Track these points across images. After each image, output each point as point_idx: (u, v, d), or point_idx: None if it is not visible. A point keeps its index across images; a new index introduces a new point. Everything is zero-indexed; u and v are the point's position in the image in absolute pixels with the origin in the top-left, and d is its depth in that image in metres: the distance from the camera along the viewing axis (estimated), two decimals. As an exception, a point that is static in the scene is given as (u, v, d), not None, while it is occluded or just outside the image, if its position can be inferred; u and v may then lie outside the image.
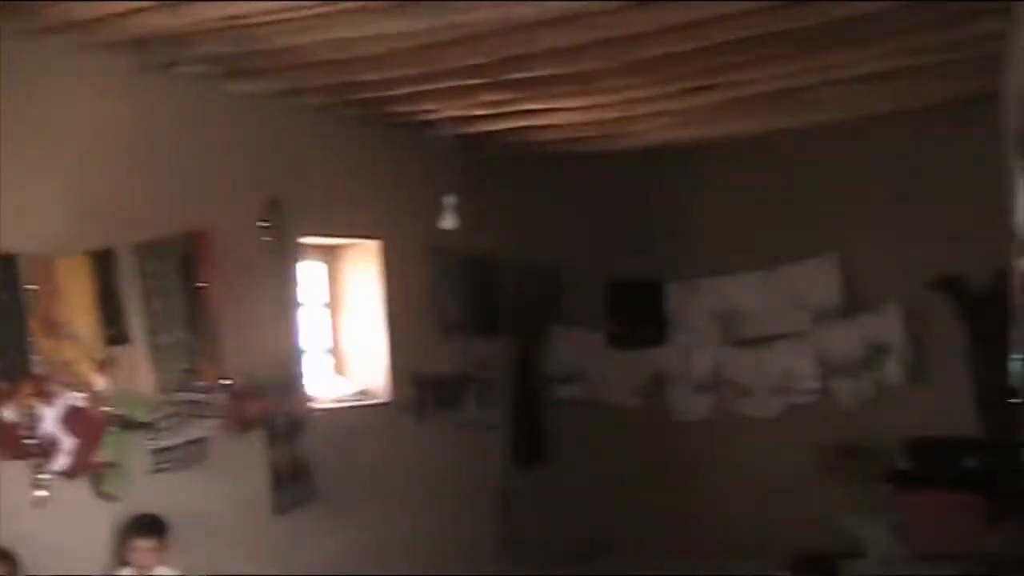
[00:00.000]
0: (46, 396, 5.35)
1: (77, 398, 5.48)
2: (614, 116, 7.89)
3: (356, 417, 7.67)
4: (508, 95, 7.11)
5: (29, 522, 5.23)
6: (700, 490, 9.46)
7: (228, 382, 6.34)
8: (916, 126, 8.54)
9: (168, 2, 5.04)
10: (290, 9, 5.21)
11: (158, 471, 5.92)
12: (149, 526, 5.70)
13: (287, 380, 6.93)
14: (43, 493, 5.33)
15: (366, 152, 7.88)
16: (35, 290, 5.36)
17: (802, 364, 9.15)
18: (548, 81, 6.75)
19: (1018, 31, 5.90)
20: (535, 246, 9.48)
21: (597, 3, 5.43)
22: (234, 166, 6.67)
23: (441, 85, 6.75)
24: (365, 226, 7.90)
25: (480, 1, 5.26)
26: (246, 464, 6.56)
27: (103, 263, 5.70)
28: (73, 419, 5.44)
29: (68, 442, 5.43)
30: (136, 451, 5.80)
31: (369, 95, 6.98)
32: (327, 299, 8.06)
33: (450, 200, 7.66)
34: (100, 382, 5.59)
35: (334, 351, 8.06)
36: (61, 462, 5.42)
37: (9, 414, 5.21)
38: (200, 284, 6.21)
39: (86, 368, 5.54)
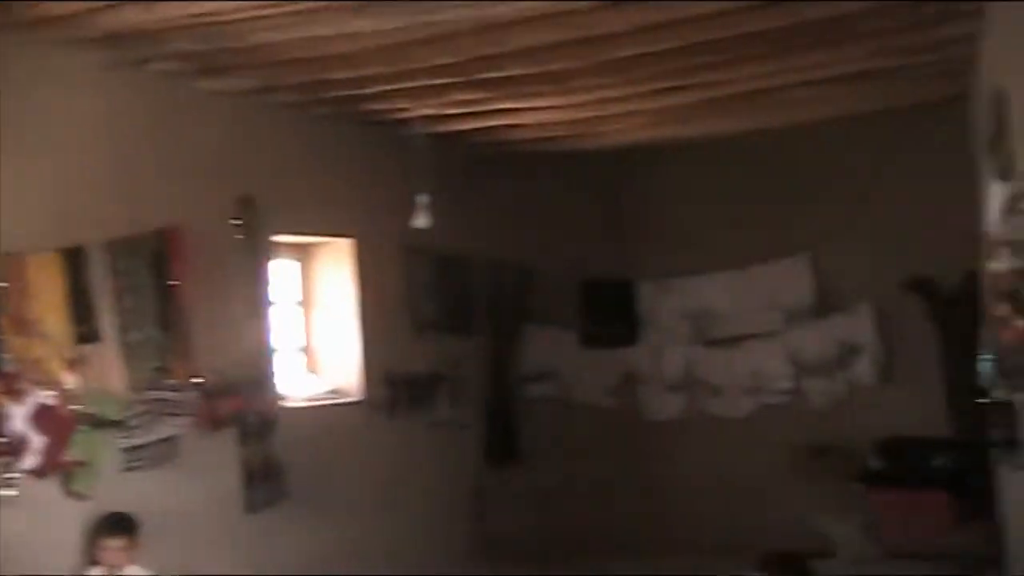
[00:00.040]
0: (15, 394, 5.31)
1: (47, 396, 5.44)
2: (587, 116, 7.90)
3: (328, 416, 7.64)
4: (481, 94, 7.11)
5: (-2, 521, 5.20)
6: (672, 489, 9.48)
7: (199, 380, 6.31)
8: (888, 127, 8.60)
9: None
10: (263, 7, 5.19)
11: (129, 469, 5.89)
12: (119, 525, 5.67)
13: (259, 378, 6.91)
14: (12, 492, 5.28)
15: (339, 150, 7.86)
16: (5, 287, 5.32)
17: (774, 364, 9.19)
18: (521, 80, 6.75)
19: (988, 34, 5.95)
20: (508, 245, 9.48)
21: (570, 3, 5.43)
22: (206, 164, 6.64)
23: (414, 84, 6.74)
24: (338, 224, 7.88)
25: (453, 0, 5.26)
26: (218, 463, 6.53)
27: (74, 260, 5.67)
28: (43, 417, 5.40)
29: (38, 440, 5.39)
30: (106, 449, 5.77)
31: (342, 93, 6.97)
32: (300, 297, 8.04)
33: (423, 199, 7.65)
34: (70, 380, 5.55)
35: (307, 350, 8.04)
36: (30, 461, 5.37)
37: (-22, 412, 5.18)
38: (172, 282, 6.18)
39: (56, 366, 5.51)
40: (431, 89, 6.90)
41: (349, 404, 7.88)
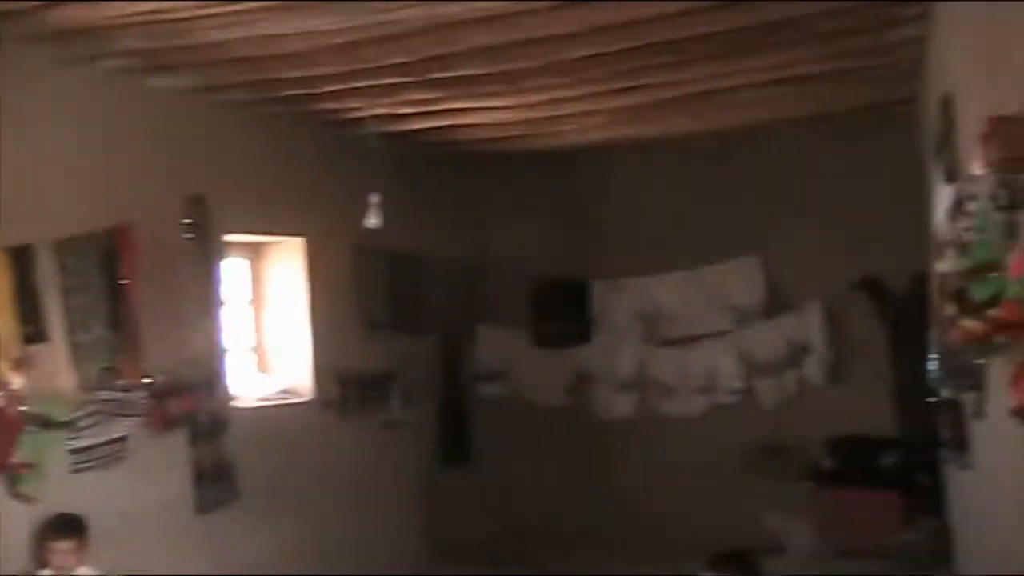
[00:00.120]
0: (-38, 395, 5.25)
1: (-6, 397, 5.37)
2: (540, 116, 7.91)
3: (280, 416, 7.61)
4: (434, 94, 7.10)
5: (-56, 524, 5.13)
6: (624, 489, 9.52)
7: (150, 380, 6.26)
8: (838, 129, 8.68)
9: (90, -5, 4.99)
10: (213, 5, 5.16)
11: (78, 471, 5.82)
12: (68, 527, 5.61)
13: (210, 378, 6.86)
14: (-42, 494, 5.23)
15: (290, 150, 7.83)
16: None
17: (725, 363, 9.24)
18: (474, 80, 6.75)
19: (935, 38, 6.01)
20: (461, 245, 9.49)
21: (523, 3, 5.43)
22: (157, 162, 6.58)
23: (366, 83, 6.72)
24: (289, 224, 7.85)
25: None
26: (168, 463, 6.48)
27: (21, 260, 5.59)
28: (-10, 419, 5.34)
29: (-16, 442, 5.32)
30: (55, 451, 5.70)
31: (294, 92, 6.93)
32: (251, 297, 8.00)
33: (374, 199, 7.63)
34: (17, 381, 5.47)
35: (258, 349, 8.00)
36: (-23, 463, 5.31)
37: (-77, 413, 5.11)
38: (122, 281, 6.11)
39: (3, 367, 5.42)
40: (383, 89, 6.88)
41: (301, 404, 7.86)
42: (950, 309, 4.33)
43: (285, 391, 7.90)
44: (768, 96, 7.62)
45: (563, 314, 9.73)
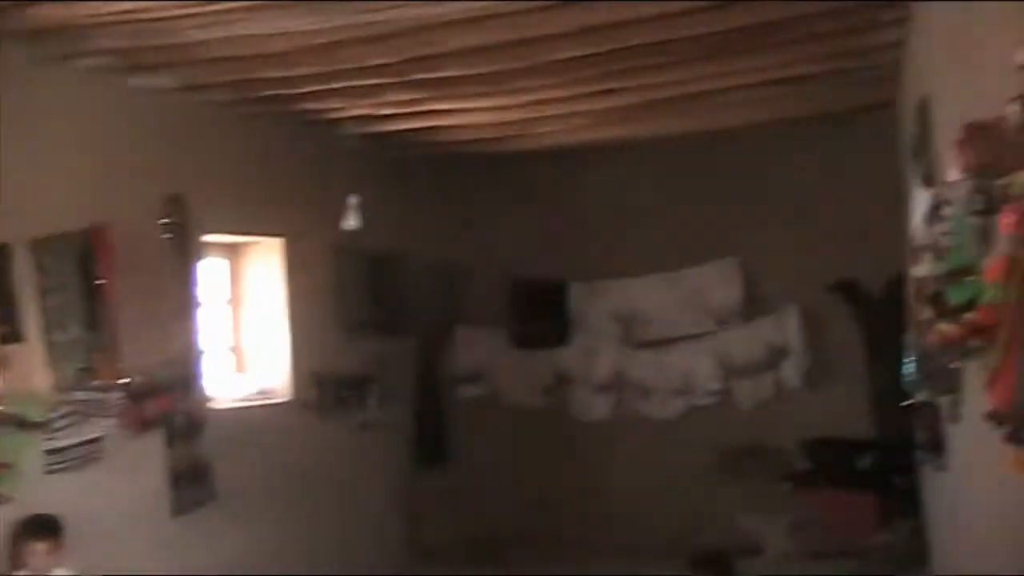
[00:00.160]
0: (-63, 395, 5.22)
1: (-31, 397, 5.34)
2: (522, 117, 7.91)
3: (257, 417, 7.59)
4: (415, 95, 7.09)
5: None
6: (602, 490, 9.53)
7: (126, 381, 6.23)
8: (817, 132, 8.70)
9: (69, -6, 4.97)
10: (193, 4, 5.14)
11: (53, 471, 5.79)
12: (44, 527, 5.57)
13: (187, 379, 6.84)
14: (-67, 494, 5.19)
15: (271, 150, 7.81)
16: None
17: (703, 366, 9.26)
18: (456, 81, 6.75)
19: (915, 42, 6.04)
20: (440, 246, 9.48)
21: (506, 4, 5.44)
22: (135, 162, 6.55)
23: (347, 84, 6.71)
24: (268, 224, 7.83)
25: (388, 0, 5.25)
26: (144, 464, 6.45)
27: (-3, 259, 5.57)
28: (-35, 419, 5.31)
29: (-40, 442, 5.30)
30: (31, 451, 5.66)
31: (274, 92, 6.92)
32: (229, 297, 7.97)
33: (353, 200, 7.62)
34: (-7, 381, 5.45)
35: (236, 349, 7.98)
36: (-48, 463, 5.28)
37: (-102, 413, 5.08)
38: (99, 281, 6.09)
39: (-21, 366, 5.41)
40: (364, 89, 6.87)
41: (278, 405, 7.84)
42: (926, 312, 4.36)
43: (262, 392, 7.88)
44: (748, 99, 7.64)
45: (542, 316, 9.73)
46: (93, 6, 5.10)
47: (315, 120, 7.69)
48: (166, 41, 5.68)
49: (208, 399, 7.11)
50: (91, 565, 5.76)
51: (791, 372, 9.04)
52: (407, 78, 6.59)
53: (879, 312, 8.38)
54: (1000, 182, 2.59)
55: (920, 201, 4.99)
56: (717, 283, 9.26)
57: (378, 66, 6.32)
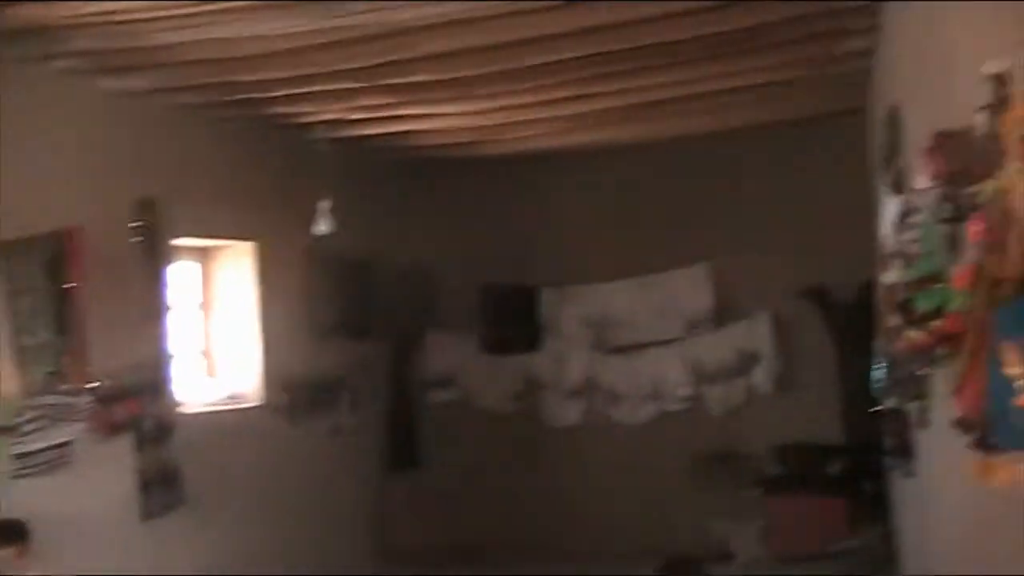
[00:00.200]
0: (-97, 399, 5.17)
1: (-64, 401, 5.30)
2: (493, 122, 7.91)
3: (228, 421, 7.56)
4: (387, 99, 7.08)
5: None
6: (573, 495, 9.52)
7: (95, 385, 6.20)
8: (788, 138, 8.74)
9: (40, -5, 4.94)
10: (167, 7, 5.12)
11: (22, 476, 5.75)
12: (11, 533, 5.53)
13: (156, 383, 6.81)
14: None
15: (242, 153, 7.78)
16: None
17: (674, 371, 9.28)
18: (428, 86, 6.75)
19: (884, 50, 6.08)
20: (412, 251, 9.47)
21: (477, 11, 5.44)
22: (106, 164, 6.52)
23: (319, 88, 6.70)
24: (240, 228, 7.80)
25: (360, 1, 5.24)
26: (113, 468, 6.41)
27: (-35, 262, 5.53)
28: (-68, 423, 5.27)
29: (-74, 446, 5.25)
30: (-2, 455, 5.64)
31: (246, 96, 6.89)
32: (200, 300, 7.94)
33: (324, 205, 7.60)
34: (-39, 385, 5.41)
35: (206, 354, 7.94)
36: (-82, 467, 5.24)
37: None
38: (68, 285, 6.05)
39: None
40: (336, 93, 6.86)
41: (248, 409, 7.81)
42: (896, 319, 4.38)
43: (233, 396, 7.85)
44: (719, 105, 7.67)
45: (513, 321, 9.73)
46: (65, 7, 5.07)
47: (287, 124, 7.67)
48: (138, 43, 5.66)
49: (178, 403, 7.07)
50: (60, 570, 5.72)
51: (762, 378, 9.06)
52: (379, 82, 6.58)
53: (849, 318, 8.41)
54: (968, 190, 2.60)
55: (890, 208, 5.02)
56: (689, 289, 9.28)
57: (350, 70, 6.31)
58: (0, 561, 5.46)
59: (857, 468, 8.40)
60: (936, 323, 3.00)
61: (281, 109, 7.27)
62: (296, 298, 8.25)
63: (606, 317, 9.51)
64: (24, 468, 5.76)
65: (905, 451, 5.90)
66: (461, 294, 9.73)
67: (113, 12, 5.15)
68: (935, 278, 3.13)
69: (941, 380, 3.69)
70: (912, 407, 5.21)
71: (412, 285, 9.61)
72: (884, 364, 5.67)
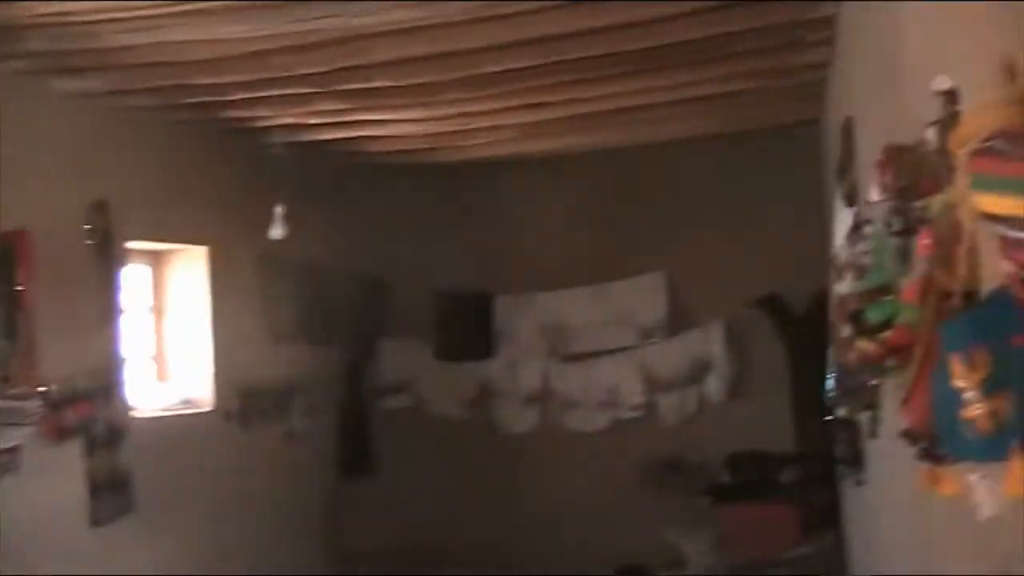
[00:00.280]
0: None
1: None
2: (450, 129, 7.91)
3: (179, 426, 7.51)
4: (344, 105, 7.07)
5: None
6: (526, 502, 9.52)
7: (44, 389, 6.13)
8: (744, 148, 8.79)
9: (-9, -5, 4.88)
10: (123, 8, 5.09)
11: (-32, 481, 5.70)
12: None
13: (107, 387, 6.75)
14: None
15: (197, 157, 7.74)
16: None
17: (628, 379, 9.30)
18: (385, 92, 6.74)
19: (839, 63, 6.13)
20: (366, 257, 9.45)
21: (434, 17, 5.44)
22: (58, 166, 6.46)
23: (276, 92, 6.68)
24: (194, 232, 7.76)
25: (319, 2, 5.22)
26: (62, 473, 6.35)
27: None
28: None
29: None
30: (-55, 460, 5.57)
31: (202, 99, 6.86)
32: (152, 304, 7.88)
33: (279, 209, 7.58)
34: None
35: (158, 358, 7.88)
36: None
37: None
38: (17, 287, 5.99)
39: None
40: (293, 98, 6.84)
41: (200, 414, 7.76)
42: (847, 330, 4.40)
43: (185, 401, 7.80)
44: (675, 114, 7.71)
45: (467, 328, 9.72)
46: (19, 7, 5.02)
47: (243, 128, 7.63)
48: (93, 45, 5.62)
49: (129, 408, 7.02)
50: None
51: (715, 386, 9.10)
52: (336, 88, 6.57)
53: (802, 328, 8.47)
54: (918, 204, 2.63)
55: (843, 219, 5.06)
56: (643, 297, 9.31)
57: (307, 75, 6.29)
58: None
59: (809, 476, 8.45)
60: (886, 335, 3.02)
61: (237, 113, 7.24)
62: (250, 303, 8.21)
63: (561, 325, 9.53)
64: (-29, 473, 5.70)
65: (856, 460, 5.94)
66: (416, 300, 9.71)
67: (68, 13, 5.11)
68: (886, 290, 3.15)
69: (890, 391, 3.72)
70: (863, 417, 5.25)
71: (367, 291, 9.59)
72: (836, 374, 5.70)
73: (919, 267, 2.56)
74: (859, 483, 6.09)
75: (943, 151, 2.31)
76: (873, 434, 5.00)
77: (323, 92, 6.69)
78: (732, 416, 8.98)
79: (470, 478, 9.63)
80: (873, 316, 3.17)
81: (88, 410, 6.51)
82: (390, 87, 6.62)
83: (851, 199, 5.12)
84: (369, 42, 5.75)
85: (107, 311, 6.83)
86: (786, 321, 8.80)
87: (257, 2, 5.15)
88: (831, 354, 6.08)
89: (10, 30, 5.35)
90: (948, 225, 2.27)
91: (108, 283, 6.83)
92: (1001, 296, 1.94)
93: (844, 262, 4.74)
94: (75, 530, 6.44)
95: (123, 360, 7.01)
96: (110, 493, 6.68)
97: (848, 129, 5.50)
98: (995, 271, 1.98)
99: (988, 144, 1.84)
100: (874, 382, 4.36)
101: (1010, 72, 1.88)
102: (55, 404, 6.23)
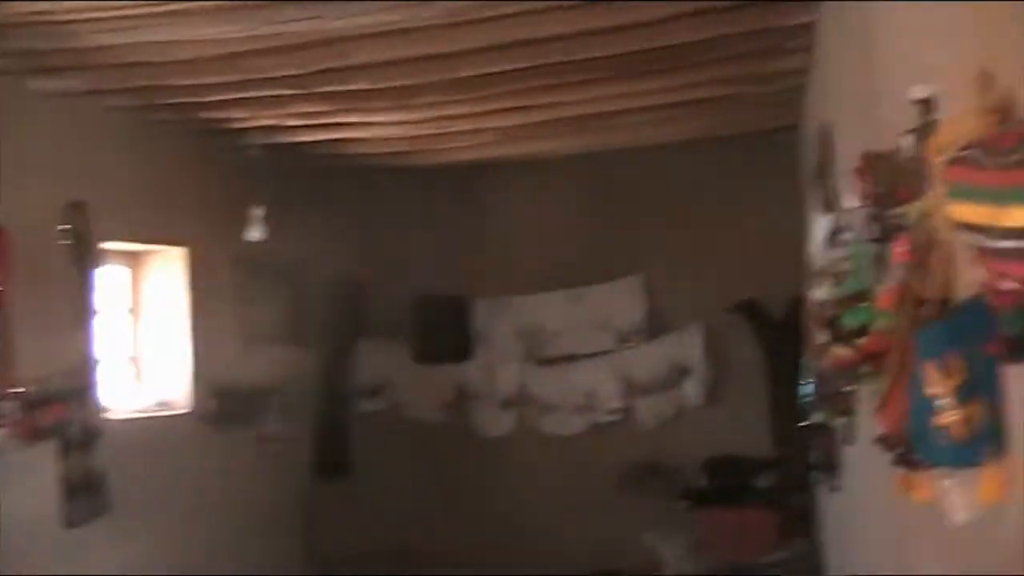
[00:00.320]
0: None
1: None
2: (428, 132, 7.91)
3: (155, 428, 7.48)
4: (322, 107, 7.06)
5: None
6: (502, 505, 9.51)
7: (19, 390, 6.09)
8: (723, 153, 8.80)
9: (-31, -6, 4.86)
10: (101, 8, 5.07)
11: (-59, 482, 5.66)
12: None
13: (82, 389, 6.71)
14: None
15: (175, 158, 7.71)
16: None
17: (605, 383, 9.30)
18: (364, 95, 6.73)
19: (818, 70, 6.16)
20: (345, 259, 9.43)
21: (415, 20, 5.44)
22: (35, 166, 6.42)
23: (254, 94, 6.66)
24: (171, 233, 7.73)
25: (298, 4, 5.21)
26: (36, 475, 6.30)
27: None
28: None
29: None
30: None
31: (180, 100, 6.83)
32: (129, 305, 7.85)
33: (257, 211, 7.56)
34: None
35: (134, 359, 7.85)
36: None
37: None
38: (-6, 287, 5.96)
39: None
40: (271, 100, 6.82)
41: (176, 416, 7.73)
42: (824, 336, 4.42)
43: (161, 403, 7.77)
44: (655, 119, 7.73)
45: (445, 331, 9.71)
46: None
47: (221, 129, 7.61)
48: (71, 44, 5.59)
49: (104, 409, 6.99)
50: (-21, 578, 5.63)
51: (693, 390, 9.12)
52: (314, 90, 6.56)
53: (780, 333, 8.49)
54: (895, 211, 2.64)
55: (820, 225, 5.07)
56: (621, 301, 9.32)
57: (285, 77, 6.28)
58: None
59: (786, 481, 8.47)
60: (862, 341, 3.03)
61: (215, 114, 7.21)
62: (226, 305, 8.18)
63: (538, 328, 9.53)
64: (-56, 474, 5.66)
65: (832, 465, 5.96)
66: (393, 303, 9.69)
67: (45, 12, 5.08)
68: (862, 296, 3.17)
69: (866, 397, 3.74)
70: (839, 423, 5.26)
71: (344, 293, 9.57)
72: (812, 379, 5.72)
73: (895, 274, 2.58)
74: (835, 489, 6.11)
75: (919, 159, 2.32)
76: (848, 440, 5.02)
77: (302, 94, 6.68)
78: (709, 421, 9.00)
79: (446, 481, 9.62)
80: (849, 322, 3.19)
81: (63, 411, 6.47)
82: (369, 89, 6.61)
83: (829, 205, 5.13)
84: (348, 44, 5.74)
85: (83, 312, 6.79)
86: (764, 326, 8.82)
87: (236, 3, 5.14)
88: (807, 359, 6.11)
89: (-13, 29, 5.33)
90: (923, 233, 2.28)
91: (84, 284, 6.79)
92: (976, 304, 1.95)
93: (821, 268, 4.76)
94: (49, 531, 6.40)
95: (99, 361, 6.97)
96: (85, 495, 6.64)
97: (826, 136, 5.52)
98: (970, 279, 1.99)
99: (964, 153, 1.86)
100: (850, 388, 4.38)
101: (986, 82, 1.89)
102: (30, 405, 6.18)
